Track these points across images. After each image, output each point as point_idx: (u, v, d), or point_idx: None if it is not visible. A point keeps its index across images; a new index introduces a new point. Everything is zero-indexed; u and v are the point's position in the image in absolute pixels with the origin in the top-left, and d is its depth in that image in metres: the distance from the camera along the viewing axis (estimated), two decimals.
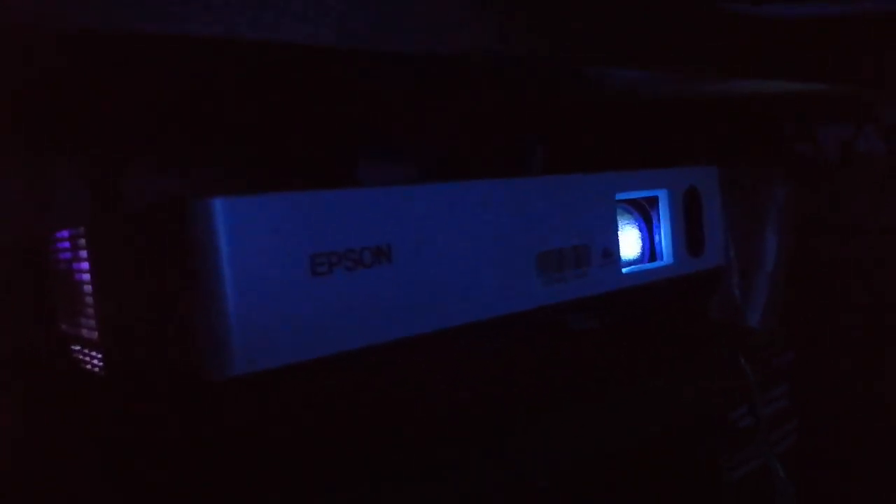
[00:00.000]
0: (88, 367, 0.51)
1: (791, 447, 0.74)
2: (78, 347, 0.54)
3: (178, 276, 0.36)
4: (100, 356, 0.49)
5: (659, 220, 0.55)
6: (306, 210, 0.36)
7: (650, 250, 0.56)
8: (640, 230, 0.55)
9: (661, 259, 0.55)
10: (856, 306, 0.77)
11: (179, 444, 0.38)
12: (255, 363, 0.35)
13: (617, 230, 0.51)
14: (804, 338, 0.75)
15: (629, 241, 0.54)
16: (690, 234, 0.56)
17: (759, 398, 0.64)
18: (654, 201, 0.55)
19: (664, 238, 0.55)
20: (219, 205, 0.34)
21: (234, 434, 0.36)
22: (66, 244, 0.52)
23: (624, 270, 0.52)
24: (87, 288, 0.49)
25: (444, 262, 0.41)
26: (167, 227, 0.36)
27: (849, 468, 0.76)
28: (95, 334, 0.48)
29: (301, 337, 0.36)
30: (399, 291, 0.39)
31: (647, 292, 0.53)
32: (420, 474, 0.38)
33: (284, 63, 0.35)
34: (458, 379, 0.44)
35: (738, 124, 0.66)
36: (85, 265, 0.49)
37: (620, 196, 0.52)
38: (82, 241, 0.49)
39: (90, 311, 0.49)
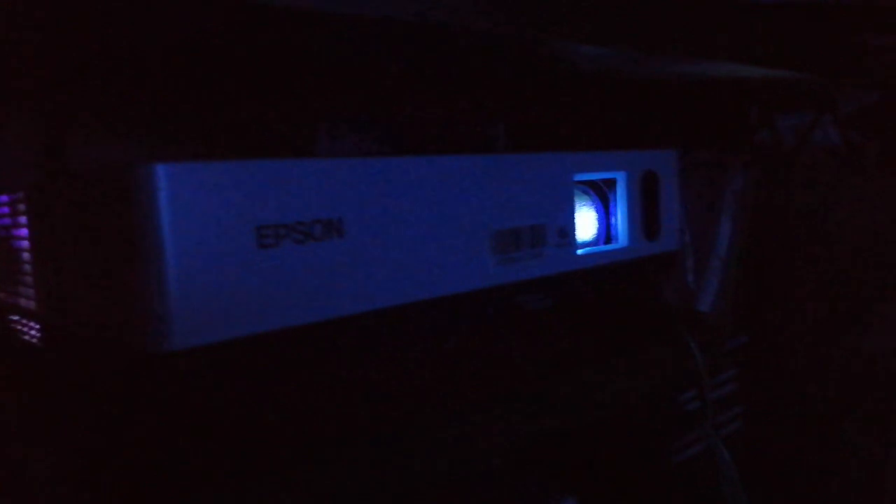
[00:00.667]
0: (26, 337, 0.49)
1: (737, 431, 0.75)
2: (15, 318, 0.52)
3: (119, 244, 0.34)
4: (38, 326, 0.47)
5: (616, 202, 0.55)
6: (253, 179, 0.35)
7: (606, 232, 0.55)
8: (597, 212, 0.55)
9: (617, 241, 0.55)
10: (809, 294, 0.79)
11: (117, 420, 0.37)
12: (196, 337, 0.34)
13: (573, 211, 0.51)
14: (756, 324, 0.76)
15: (585, 223, 0.54)
16: (647, 217, 0.56)
17: (707, 381, 0.65)
18: (611, 183, 0.55)
19: (620, 220, 0.55)
20: (161, 171, 0.32)
21: (172, 410, 0.35)
22: (6, 209, 0.49)
23: (579, 252, 0.52)
24: (26, 255, 0.47)
25: (397, 238, 0.41)
26: (109, 192, 0.35)
27: (794, 454, 0.77)
28: (33, 304, 0.47)
29: (246, 311, 0.35)
30: (350, 266, 0.39)
31: (601, 274, 0.53)
32: (362, 455, 0.38)
33: (245, 24, 0.34)
34: (408, 357, 0.44)
35: (700, 109, 0.66)
36: (24, 231, 0.47)
37: (578, 177, 0.51)
38: (22, 207, 0.47)
39: (29, 279, 0.47)
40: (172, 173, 0.33)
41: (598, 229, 0.55)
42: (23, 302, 0.48)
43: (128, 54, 0.38)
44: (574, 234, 0.51)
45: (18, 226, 0.48)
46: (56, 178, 0.46)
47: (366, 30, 0.37)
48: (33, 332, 0.48)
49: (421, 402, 0.42)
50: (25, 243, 0.47)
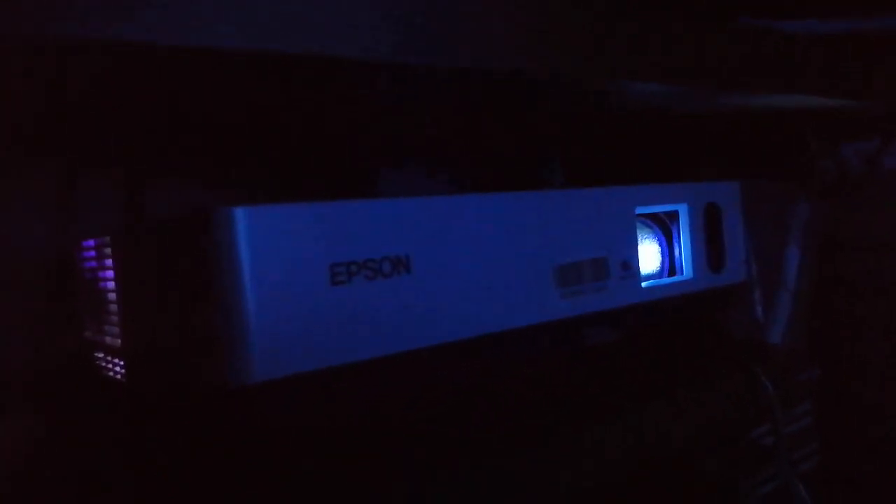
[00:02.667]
0: (111, 374, 0.52)
1: (814, 468, 0.72)
2: (101, 355, 0.54)
3: (201, 284, 0.36)
4: (122, 363, 0.50)
5: (679, 234, 0.55)
6: (326, 220, 0.37)
7: (670, 265, 0.55)
8: (660, 244, 0.55)
9: (682, 274, 0.55)
10: (882, 325, 0.76)
11: (199, 451, 0.39)
12: (275, 371, 0.35)
13: (636, 244, 0.51)
14: (830, 357, 0.74)
15: (649, 256, 0.54)
16: (711, 249, 0.56)
17: (780, 416, 0.64)
18: (674, 216, 0.55)
19: (684, 253, 0.55)
20: (240, 214, 0.34)
21: (252, 441, 0.36)
22: (92, 253, 0.52)
23: (643, 284, 0.52)
24: (112, 296, 0.50)
25: (462, 273, 0.42)
26: (190, 236, 0.37)
27: (871, 491, 0.75)
28: (119, 342, 0.49)
29: (320, 345, 0.36)
30: (417, 302, 0.40)
31: (666, 306, 0.53)
32: (433, 485, 0.38)
33: (312, 76, 0.36)
34: (475, 391, 0.44)
35: (762, 140, 0.66)
36: (110, 273, 0.50)
37: (640, 210, 0.52)
38: (108, 251, 0.50)
39: (114, 318, 0.50)
40: (250, 215, 0.34)
41: (662, 262, 0.55)
42: (108, 340, 0.51)
43: (203, 108, 0.41)
44: (638, 267, 0.51)
45: (105, 268, 0.50)
46: (140, 223, 0.49)
47: (437, 80, 0.38)
48: (118, 370, 0.50)
49: (488, 436, 0.43)
50: (111, 284, 0.49)
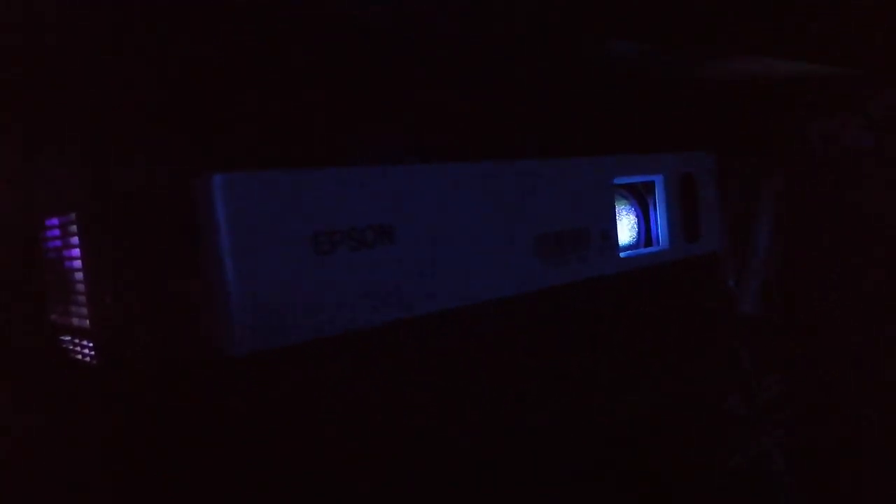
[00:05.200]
0: (79, 356, 0.50)
1: (789, 436, 0.74)
2: (68, 338, 0.52)
3: (178, 255, 0.35)
4: (91, 345, 0.48)
5: (655, 205, 0.55)
6: (308, 187, 0.36)
7: (646, 235, 0.55)
8: (637, 215, 0.55)
9: (658, 244, 0.55)
10: (858, 295, 0.77)
11: (177, 428, 0.37)
12: (258, 342, 0.34)
13: (615, 214, 0.51)
14: (804, 327, 0.75)
15: (626, 226, 0.54)
16: (686, 219, 0.56)
17: (754, 385, 0.65)
18: (650, 186, 0.55)
19: (660, 223, 0.55)
20: (218, 181, 0.33)
21: (234, 415, 0.35)
22: (56, 232, 0.50)
23: (621, 255, 0.52)
24: (79, 275, 0.48)
25: (445, 243, 0.41)
26: (165, 206, 0.35)
27: (848, 458, 0.76)
28: (87, 322, 0.47)
29: (305, 317, 0.35)
30: (401, 272, 0.39)
31: (643, 276, 0.53)
32: (419, 456, 0.38)
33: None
34: (458, 360, 0.44)
35: (734, 112, 0.66)
36: (76, 252, 0.48)
37: (618, 180, 0.52)
38: (73, 228, 0.48)
39: (81, 298, 0.48)
40: (230, 182, 0.33)
41: (639, 232, 0.55)
42: (75, 321, 0.49)
43: (164, 70, 0.39)
44: (616, 237, 0.51)
45: (70, 246, 0.48)
46: (107, 197, 0.47)
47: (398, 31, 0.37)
48: (86, 352, 0.49)
49: (470, 405, 0.42)
50: (77, 263, 0.48)
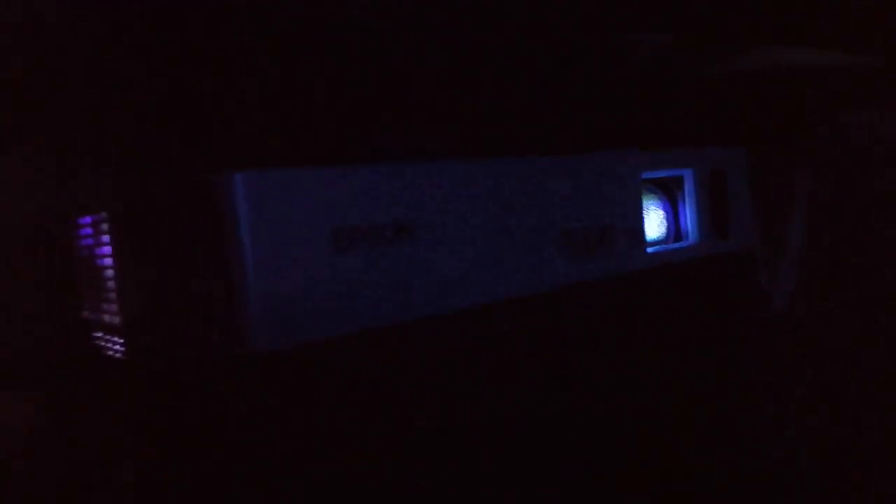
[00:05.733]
0: (110, 353, 0.51)
1: (820, 439, 0.72)
2: (100, 334, 0.53)
3: (201, 253, 0.35)
4: (122, 341, 0.49)
5: (684, 200, 0.54)
6: (328, 184, 0.36)
7: (675, 231, 0.55)
8: (665, 210, 0.54)
9: (687, 239, 0.54)
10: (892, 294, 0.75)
11: (200, 422, 0.38)
12: (277, 340, 0.34)
13: (642, 209, 0.50)
14: (839, 327, 0.73)
15: (654, 221, 0.53)
16: (716, 215, 0.55)
17: (784, 385, 0.63)
18: (679, 181, 0.54)
19: (689, 218, 0.54)
20: (239, 179, 0.33)
21: (254, 411, 0.35)
22: (89, 230, 0.51)
23: (648, 250, 0.51)
24: (109, 273, 0.49)
25: (465, 241, 0.41)
26: (188, 204, 0.36)
27: (881, 463, 0.74)
28: (118, 319, 0.48)
29: (325, 314, 0.36)
30: (421, 269, 0.39)
31: (672, 272, 0.52)
32: (439, 455, 0.38)
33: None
34: (481, 359, 0.44)
35: (767, 106, 0.65)
36: (107, 249, 0.49)
37: (645, 175, 0.51)
38: (104, 227, 0.49)
39: (112, 295, 0.49)
40: (251, 180, 0.34)
41: (668, 228, 0.55)
42: (107, 318, 0.50)
43: (188, 70, 0.39)
44: (643, 233, 0.50)
45: (101, 244, 0.49)
46: (135, 196, 0.48)
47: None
48: (118, 348, 0.50)
49: (495, 403, 0.42)
50: (108, 261, 0.48)
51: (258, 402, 0.35)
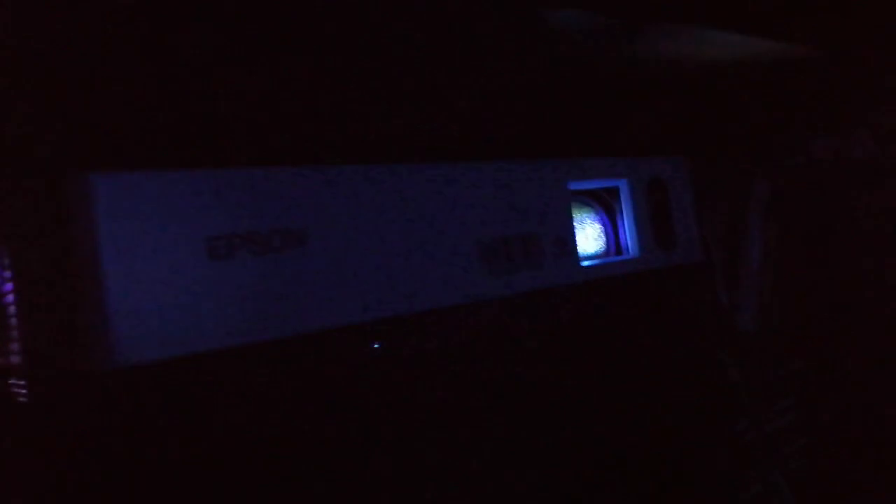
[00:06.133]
0: (21, 398, 0.48)
1: (802, 467, 0.68)
2: (12, 380, 0.51)
3: (63, 265, 0.33)
4: (23, 382, 0.46)
5: (622, 212, 0.52)
6: (200, 189, 0.34)
7: (616, 244, 0.52)
8: (603, 223, 0.52)
9: (627, 253, 0.51)
10: (873, 312, 0.72)
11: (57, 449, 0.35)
12: (139, 354, 0.31)
13: (571, 220, 0.47)
14: (818, 348, 0.69)
15: (590, 235, 0.51)
16: (658, 226, 0.53)
17: (751, 409, 0.59)
18: (615, 192, 0.52)
19: (629, 231, 0.51)
20: (94, 181, 0.31)
21: (109, 433, 0.32)
22: None
23: (583, 264, 0.48)
24: (12, 309, 0.46)
25: (367, 250, 0.38)
26: (47, 210, 0.34)
27: (866, 490, 0.69)
28: (19, 358, 0.46)
29: (196, 326, 0.33)
30: (314, 280, 0.36)
31: (612, 286, 0.49)
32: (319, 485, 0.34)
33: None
34: (379, 378, 0.40)
35: (719, 114, 0.63)
36: (9, 286, 0.46)
37: (575, 186, 0.49)
38: (6, 261, 0.46)
39: (15, 333, 0.46)
40: (107, 183, 0.31)
41: (608, 241, 0.52)
42: (13, 359, 0.47)
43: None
44: (574, 244, 0.47)
45: (4, 280, 0.47)
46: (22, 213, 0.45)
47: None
48: (23, 391, 0.47)
49: (396, 434, 0.39)
50: (10, 297, 0.46)
51: (112, 421, 0.32)
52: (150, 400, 0.32)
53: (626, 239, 0.51)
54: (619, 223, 0.52)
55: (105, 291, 0.31)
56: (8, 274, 0.45)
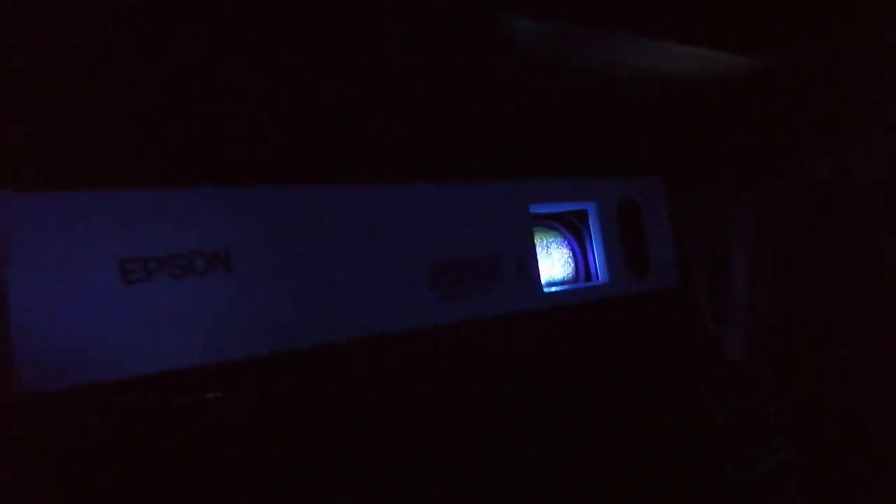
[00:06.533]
0: None
1: None
2: None
3: None
4: None
5: (590, 236, 0.50)
6: (114, 210, 0.32)
7: (585, 270, 0.50)
8: (571, 248, 0.50)
9: (596, 279, 0.49)
10: (867, 344, 0.68)
11: None
12: (44, 382, 0.30)
13: (532, 244, 0.46)
14: (810, 377, 0.66)
15: (557, 260, 0.49)
16: (630, 251, 0.50)
17: (739, 453, 0.56)
18: (582, 215, 0.50)
19: (597, 256, 0.49)
20: (2, 199, 0.30)
21: (17, 465, 0.31)
22: None
23: (546, 290, 0.46)
24: None
25: (301, 274, 0.37)
26: None
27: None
28: None
29: (110, 352, 0.32)
30: (239, 303, 0.35)
31: (578, 314, 0.47)
32: None
33: None
34: (312, 409, 0.38)
35: (695, 132, 0.60)
36: None
37: (537, 208, 0.47)
38: None
39: None
40: (13, 202, 0.30)
41: (577, 267, 0.50)
42: None
43: None
44: (536, 269, 0.45)
45: None
46: None
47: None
48: None
49: (321, 468, 0.37)
50: None
51: (20, 452, 0.31)
52: (54, 429, 0.31)
53: (594, 264, 0.49)
54: (588, 248, 0.49)
55: (10, 316, 0.30)
56: None
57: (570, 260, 0.49)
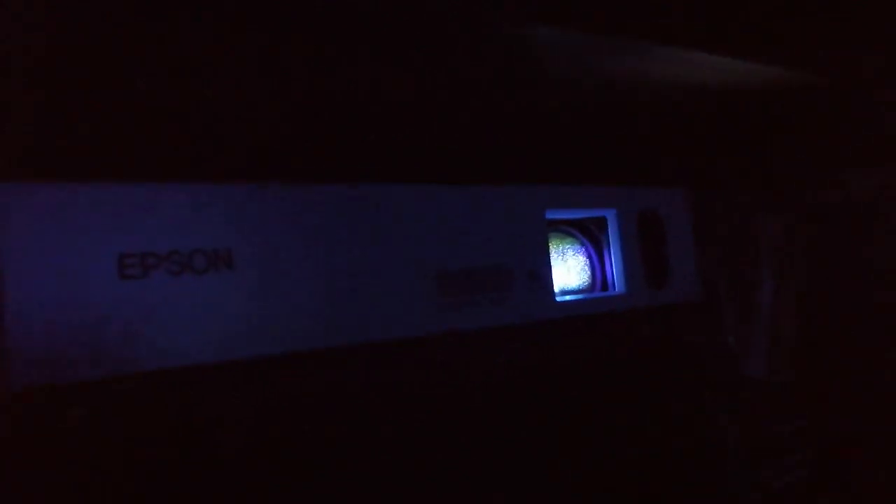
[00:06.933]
0: None
1: None
2: None
3: None
4: None
5: (609, 244, 0.48)
6: (115, 203, 0.32)
7: (602, 279, 0.48)
8: (589, 256, 0.48)
9: (613, 289, 0.48)
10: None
11: None
12: (39, 377, 0.30)
13: (546, 251, 0.44)
14: (833, 396, 0.64)
15: (573, 268, 0.47)
16: (649, 262, 0.49)
17: (750, 471, 0.55)
18: (601, 223, 0.48)
19: (615, 265, 0.48)
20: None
21: (13, 461, 0.31)
22: None
23: (560, 299, 0.45)
24: None
25: (304, 275, 0.36)
26: None
27: None
28: None
29: (107, 348, 0.31)
30: (240, 302, 0.34)
31: (593, 324, 0.46)
32: None
33: None
34: (316, 414, 0.38)
35: (719, 146, 0.59)
36: None
37: (553, 214, 0.45)
38: None
39: None
40: (13, 194, 0.30)
41: (594, 276, 0.48)
42: None
43: None
44: (549, 277, 0.44)
45: None
46: None
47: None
48: None
49: (320, 475, 0.36)
50: None
51: (9, 448, 0.30)
52: (49, 425, 0.30)
53: (611, 274, 0.48)
54: (606, 256, 0.48)
55: (5, 309, 0.29)
56: None
57: (586, 268, 0.48)
